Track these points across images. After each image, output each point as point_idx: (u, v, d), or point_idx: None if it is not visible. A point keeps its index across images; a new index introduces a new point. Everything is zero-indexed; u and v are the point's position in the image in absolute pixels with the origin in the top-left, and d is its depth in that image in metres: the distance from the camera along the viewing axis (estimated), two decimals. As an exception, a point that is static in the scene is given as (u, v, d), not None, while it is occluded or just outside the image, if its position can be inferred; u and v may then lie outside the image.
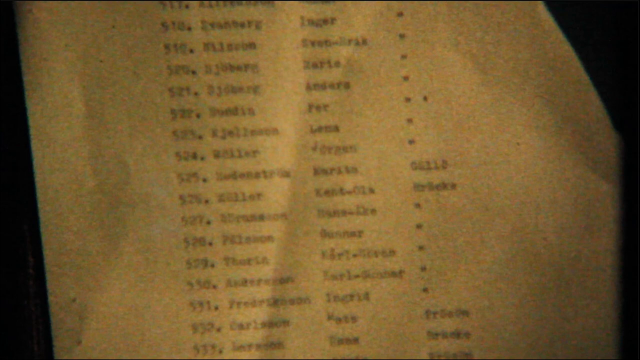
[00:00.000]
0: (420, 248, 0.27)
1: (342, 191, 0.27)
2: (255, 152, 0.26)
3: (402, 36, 0.26)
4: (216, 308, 0.27)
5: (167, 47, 0.26)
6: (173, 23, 0.26)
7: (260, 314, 0.27)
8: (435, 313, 0.27)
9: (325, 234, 0.27)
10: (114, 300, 0.26)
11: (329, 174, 0.27)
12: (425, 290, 0.27)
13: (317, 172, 0.27)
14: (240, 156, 0.26)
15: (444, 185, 0.27)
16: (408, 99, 0.26)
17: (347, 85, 0.26)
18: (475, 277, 0.27)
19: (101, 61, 0.26)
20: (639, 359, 0.25)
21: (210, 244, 0.26)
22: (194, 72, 0.26)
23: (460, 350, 0.27)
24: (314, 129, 0.26)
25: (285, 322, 0.27)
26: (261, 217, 0.27)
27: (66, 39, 0.25)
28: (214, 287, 0.27)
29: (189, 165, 0.26)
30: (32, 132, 0.26)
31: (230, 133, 0.26)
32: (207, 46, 0.26)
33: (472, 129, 0.26)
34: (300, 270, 0.27)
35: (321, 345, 0.27)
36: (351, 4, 0.26)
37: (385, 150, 0.27)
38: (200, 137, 0.26)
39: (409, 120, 0.27)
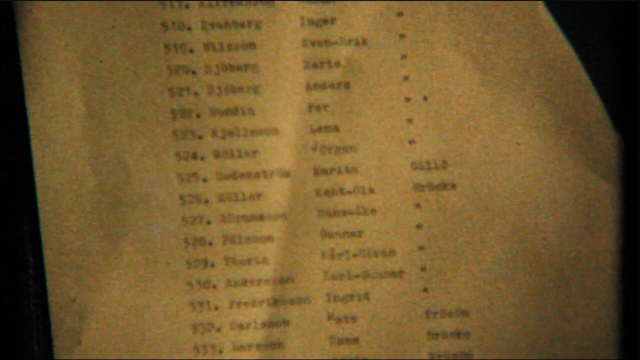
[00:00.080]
0: (420, 248, 0.27)
1: (342, 191, 0.27)
2: (255, 152, 0.26)
3: (402, 36, 0.26)
4: (216, 308, 0.27)
5: (167, 47, 0.26)
6: (173, 23, 0.26)
7: (260, 314, 0.27)
8: (435, 313, 0.27)
9: (325, 234, 0.27)
10: (114, 300, 0.26)
11: (329, 174, 0.27)
12: (425, 290, 0.27)
13: (317, 172, 0.27)
14: (240, 156, 0.26)
15: (444, 185, 0.27)
16: (408, 99, 0.26)
17: (347, 85, 0.26)
18: (475, 277, 0.27)
19: (101, 61, 0.26)
20: (639, 359, 0.25)
21: (210, 244, 0.26)
22: (194, 72, 0.26)
23: (460, 350, 0.27)
24: (314, 129, 0.26)
25: (285, 322, 0.27)
26: (261, 217, 0.27)
27: (66, 39, 0.25)
28: (214, 287, 0.27)
29: (189, 165, 0.26)
30: (32, 132, 0.26)
31: (230, 133, 0.26)
32: (207, 46, 0.26)
33: (472, 129, 0.26)
34: (300, 270, 0.27)
35: (321, 345, 0.27)
36: (351, 4, 0.26)
37: (385, 150, 0.27)
38: (200, 137, 0.26)
39: (409, 120, 0.27)
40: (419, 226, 0.27)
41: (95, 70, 0.26)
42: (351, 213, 0.27)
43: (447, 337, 0.27)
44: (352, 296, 0.27)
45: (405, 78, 0.26)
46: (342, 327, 0.27)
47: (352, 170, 0.27)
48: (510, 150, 0.27)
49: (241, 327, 0.27)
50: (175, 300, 0.26)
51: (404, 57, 0.26)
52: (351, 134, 0.27)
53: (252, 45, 0.26)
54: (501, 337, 0.27)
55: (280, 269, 0.27)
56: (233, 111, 0.26)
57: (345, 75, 0.26)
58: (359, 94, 0.26)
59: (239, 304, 0.27)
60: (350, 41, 0.26)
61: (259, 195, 0.26)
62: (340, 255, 0.27)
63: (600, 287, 0.27)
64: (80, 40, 0.26)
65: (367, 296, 0.27)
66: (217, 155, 0.26)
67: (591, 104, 0.26)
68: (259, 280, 0.27)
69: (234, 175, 0.26)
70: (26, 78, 0.25)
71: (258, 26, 0.26)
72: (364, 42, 0.26)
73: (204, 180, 0.26)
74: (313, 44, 0.26)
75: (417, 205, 0.27)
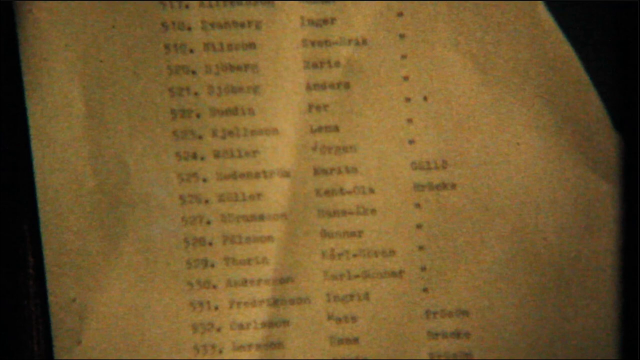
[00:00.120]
0: (420, 248, 0.27)
1: (342, 191, 0.27)
2: (255, 152, 0.26)
3: (402, 36, 0.26)
4: (216, 308, 0.27)
5: (167, 47, 0.26)
6: (173, 23, 0.26)
7: (260, 314, 0.27)
8: (435, 313, 0.27)
9: (325, 234, 0.27)
10: (114, 300, 0.26)
11: (329, 174, 0.27)
12: (425, 290, 0.27)
13: (317, 172, 0.27)
14: (240, 156, 0.26)
15: (444, 185, 0.27)
16: (408, 99, 0.26)
17: (347, 85, 0.26)
18: (475, 277, 0.27)
19: (101, 61, 0.26)
20: (639, 359, 0.25)
21: (210, 244, 0.26)
22: (194, 72, 0.26)
23: (460, 350, 0.27)
24: (314, 129, 0.26)
25: (285, 322, 0.27)
26: (261, 217, 0.27)
27: (66, 39, 0.25)
28: (214, 287, 0.27)
29: (189, 165, 0.26)
30: (32, 132, 0.26)
31: (230, 133, 0.26)
32: (207, 46, 0.26)
33: (472, 129, 0.26)
34: (300, 270, 0.27)
35: (321, 345, 0.27)
36: (351, 4, 0.26)
37: (385, 150, 0.27)
38: (200, 137, 0.26)
39: (409, 120, 0.27)
40: (419, 226, 0.27)
41: (95, 70, 0.26)
42: (351, 213, 0.27)
43: (447, 337, 0.27)
44: (352, 296, 0.27)
45: (405, 78, 0.26)
46: (342, 327, 0.27)
47: (352, 170, 0.27)
48: (510, 150, 0.27)
49: (241, 327, 0.27)
50: (175, 300, 0.26)
51: (404, 57, 0.26)
52: (351, 134, 0.27)
53: (252, 45, 0.26)
54: (501, 337, 0.27)
55: (280, 269, 0.27)
56: (233, 111, 0.26)
57: (345, 75, 0.26)
58: (359, 94, 0.26)
59: (239, 304, 0.27)
60: (350, 41, 0.26)
61: (259, 195, 0.26)
62: (340, 255, 0.27)
63: (600, 287, 0.27)
64: (80, 40, 0.26)
65: (367, 296, 0.27)
66: (217, 155, 0.26)
67: (591, 104, 0.26)
68: (259, 280, 0.27)
69: (234, 175, 0.26)
70: (26, 78, 0.25)
71: (258, 26, 0.26)
72: (364, 42, 0.26)
73: (204, 180, 0.26)
74: (313, 44, 0.26)
75: (417, 205, 0.27)
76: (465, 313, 0.27)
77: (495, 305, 0.27)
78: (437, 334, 0.27)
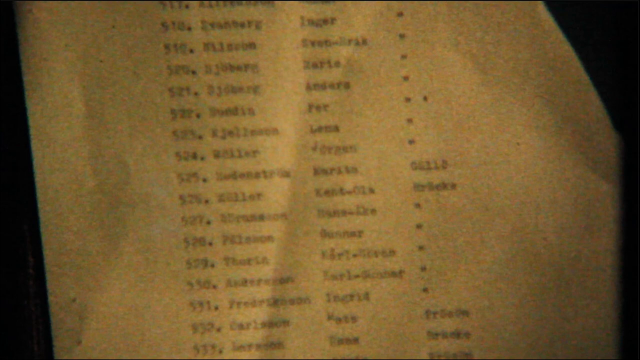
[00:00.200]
0: (420, 248, 0.27)
1: (342, 191, 0.27)
2: (255, 152, 0.26)
3: (402, 36, 0.26)
4: (216, 308, 0.27)
5: (167, 47, 0.26)
6: (173, 23, 0.26)
7: (260, 314, 0.27)
8: (435, 313, 0.27)
9: (325, 234, 0.27)
10: (114, 300, 0.26)
11: (329, 174, 0.27)
12: (425, 290, 0.27)
13: (317, 172, 0.27)
14: (240, 156, 0.26)
15: (444, 185, 0.27)
16: (408, 99, 0.26)
17: (347, 85, 0.26)
18: (475, 277, 0.27)
19: (101, 61, 0.26)
20: (639, 359, 0.25)
21: (210, 244, 0.26)
22: (194, 72, 0.26)
23: (460, 350, 0.27)
24: (314, 129, 0.26)
25: (285, 322, 0.27)
26: (261, 217, 0.27)
27: (66, 39, 0.25)
28: (214, 287, 0.27)
29: (189, 165, 0.26)
30: (32, 132, 0.26)
31: (230, 133, 0.26)
32: (207, 46, 0.26)
33: (472, 129, 0.26)
34: (300, 270, 0.27)
35: (321, 345, 0.27)
36: (351, 4, 0.26)
37: (385, 150, 0.27)
38: (200, 137, 0.26)
39: (409, 120, 0.27)
40: (419, 226, 0.27)
41: (95, 70, 0.26)
42: (351, 213, 0.27)
43: (447, 337, 0.27)
44: (352, 296, 0.27)
45: (405, 78, 0.26)
46: (342, 327, 0.27)
47: (352, 170, 0.27)
48: (510, 150, 0.27)
49: (241, 327, 0.27)
50: (175, 300, 0.26)
51: (404, 57, 0.26)
52: (351, 134, 0.27)
53: (252, 45, 0.26)
54: (501, 337, 0.27)
55: (280, 269, 0.27)
56: (233, 111, 0.26)
57: (345, 75, 0.26)
58: (359, 94, 0.26)
59: (239, 304, 0.27)
60: (350, 41, 0.26)
61: (259, 195, 0.26)
62: (340, 255, 0.27)
63: (600, 287, 0.27)
64: (80, 40, 0.26)
65: (367, 296, 0.27)
66: (217, 155, 0.26)
67: (591, 104, 0.26)
68: (259, 280, 0.27)
69: (234, 175, 0.26)
70: (26, 78, 0.25)
71: (258, 26, 0.26)
72: (364, 42, 0.26)
73: (204, 180, 0.26)
74: (313, 44, 0.26)
75: (417, 205, 0.27)
76: (465, 313, 0.27)
77: (495, 305, 0.27)
78: (437, 334, 0.27)
